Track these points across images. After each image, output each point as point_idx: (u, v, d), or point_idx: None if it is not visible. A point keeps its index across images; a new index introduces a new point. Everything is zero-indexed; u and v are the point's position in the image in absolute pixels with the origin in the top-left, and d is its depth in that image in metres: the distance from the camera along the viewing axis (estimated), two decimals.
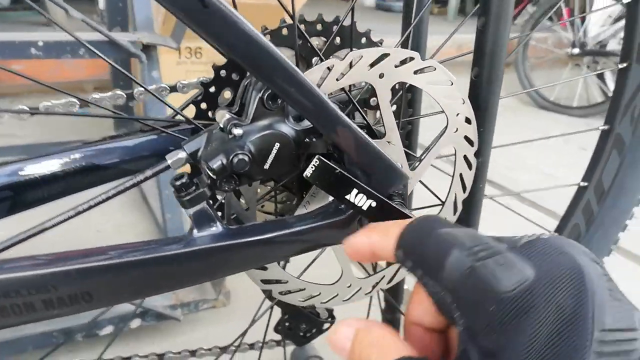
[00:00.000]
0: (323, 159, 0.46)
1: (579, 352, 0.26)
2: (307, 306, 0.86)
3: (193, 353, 0.94)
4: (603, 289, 0.29)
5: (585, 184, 0.90)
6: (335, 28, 0.61)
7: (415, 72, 0.53)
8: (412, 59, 0.52)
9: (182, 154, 0.46)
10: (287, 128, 0.47)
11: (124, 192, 0.47)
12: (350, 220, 0.50)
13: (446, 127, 0.58)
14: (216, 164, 0.44)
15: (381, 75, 0.51)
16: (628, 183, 0.88)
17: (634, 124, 0.83)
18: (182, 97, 0.56)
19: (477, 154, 0.62)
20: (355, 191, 0.47)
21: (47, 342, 1.22)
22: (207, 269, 0.46)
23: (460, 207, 0.64)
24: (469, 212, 0.68)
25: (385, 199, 0.48)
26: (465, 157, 0.61)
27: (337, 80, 0.50)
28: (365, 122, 0.55)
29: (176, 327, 1.38)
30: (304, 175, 0.46)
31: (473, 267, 0.30)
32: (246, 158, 0.44)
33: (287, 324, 0.87)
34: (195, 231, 0.46)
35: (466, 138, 0.60)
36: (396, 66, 0.52)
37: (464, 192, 0.64)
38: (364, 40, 0.63)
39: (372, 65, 0.50)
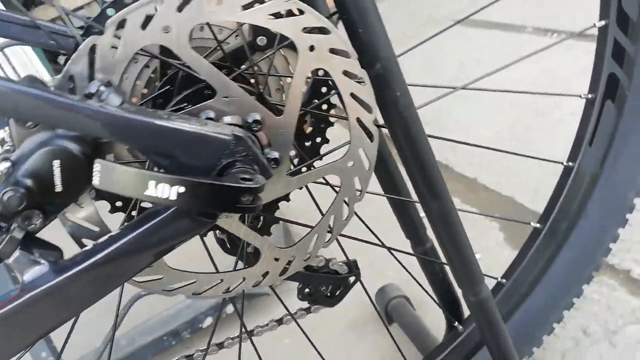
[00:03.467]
0: (102, 161, 0.39)
1: None
2: (318, 268, 0.80)
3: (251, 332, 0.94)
4: None
5: (604, 21, 0.67)
6: None
7: (211, 6, 0.42)
8: None
9: None
10: (61, 140, 0.40)
11: None
12: (178, 213, 0.42)
13: None
14: None
15: (166, 29, 0.42)
16: None
17: None
18: None
19: (367, 63, 0.49)
20: (152, 183, 0.39)
21: (161, 346, 1.33)
22: (54, 308, 0.43)
23: (372, 129, 0.52)
24: (400, 127, 0.55)
25: (196, 179, 0.39)
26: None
27: (112, 57, 0.41)
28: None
29: (270, 301, 1.41)
30: (94, 185, 0.39)
31: None
32: (16, 193, 0.39)
33: (306, 290, 0.82)
34: (24, 279, 0.43)
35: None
36: (180, 9, 0.41)
37: (370, 112, 0.51)
38: None
39: (144, 24, 0.41)
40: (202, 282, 0.53)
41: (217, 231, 0.63)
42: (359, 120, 0.51)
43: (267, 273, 0.56)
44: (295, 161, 0.61)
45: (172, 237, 0.43)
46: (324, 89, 0.58)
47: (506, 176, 1.48)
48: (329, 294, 0.83)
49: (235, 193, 0.40)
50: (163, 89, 0.51)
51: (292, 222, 0.62)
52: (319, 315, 1.22)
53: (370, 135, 0.52)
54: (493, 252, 1.25)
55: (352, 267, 0.81)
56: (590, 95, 0.75)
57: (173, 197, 0.39)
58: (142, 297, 1.40)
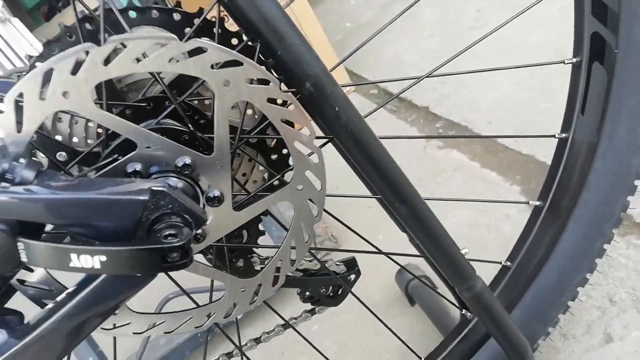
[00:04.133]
0: (24, 239, 0.39)
1: None
2: (315, 272, 0.80)
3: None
4: None
5: None
6: None
7: (106, 62, 0.41)
8: (87, 52, 0.40)
9: None
10: None
11: None
12: (109, 280, 0.42)
13: None
14: None
15: (66, 94, 0.41)
16: None
17: None
18: None
19: (296, 82, 0.47)
20: (74, 256, 0.39)
21: (196, 343, 1.38)
22: None
23: (315, 150, 0.50)
24: (348, 141, 0.53)
25: (113, 247, 0.39)
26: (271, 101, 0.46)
27: (18, 132, 0.41)
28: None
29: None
30: (24, 263, 0.40)
31: None
32: None
33: (306, 294, 0.82)
34: None
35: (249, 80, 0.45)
36: (72, 74, 0.40)
37: (309, 133, 0.49)
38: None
39: (41, 95, 0.40)
40: (172, 322, 0.54)
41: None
42: (297, 144, 0.49)
43: (235, 304, 0.55)
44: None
45: (113, 296, 0.43)
46: None
47: (525, 133, 1.41)
48: (330, 294, 0.83)
49: (158, 254, 0.40)
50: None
51: (258, 247, 0.61)
52: (346, 300, 1.22)
53: (318, 157, 0.50)
54: (515, 219, 1.20)
55: (351, 265, 0.80)
56: (575, 60, 0.68)
57: (97, 266, 0.39)
58: (172, 299, 1.46)
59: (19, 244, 0.39)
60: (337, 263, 0.81)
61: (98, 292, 0.42)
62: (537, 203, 0.77)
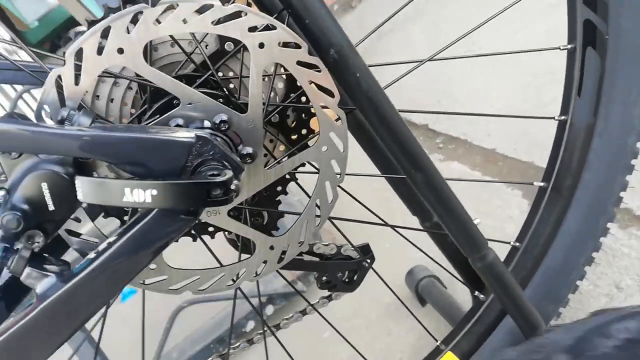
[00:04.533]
0: (81, 177, 0.43)
1: None
2: (331, 256, 0.83)
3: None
4: None
5: None
6: None
7: (157, 23, 0.46)
8: (140, 13, 0.45)
9: None
10: (45, 164, 0.45)
11: None
12: (160, 214, 0.46)
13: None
14: None
15: (121, 50, 0.46)
16: None
17: None
18: None
19: (320, 50, 0.52)
20: (127, 190, 0.43)
21: (209, 353, 1.39)
22: (67, 314, 0.48)
23: (339, 112, 0.54)
24: (367, 106, 0.57)
25: (165, 181, 0.43)
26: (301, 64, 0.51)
27: (76, 85, 0.46)
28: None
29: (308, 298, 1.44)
30: (79, 199, 0.44)
31: None
32: (13, 216, 0.44)
33: (323, 278, 0.85)
34: (37, 290, 0.48)
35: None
36: (130, 31, 0.45)
37: (333, 96, 0.54)
38: None
39: (99, 51, 0.45)
40: (205, 278, 0.57)
41: (226, 232, 0.67)
42: (323, 106, 0.54)
43: (265, 262, 0.59)
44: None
45: (160, 236, 0.47)
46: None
47: (524, 142, 1.46)
48: (346, 280, 0.86)
49: (203, 188, 0.44)
50: (144, 107, 0.56)
51: (281, 212, 0.65)
52: (356, 304, 1.24)
53: (337, 119, 0.55)
54: (517, 220, 1.24)
55: (365, 250, 0.83)
56: (570, 46, 0.74)
57: (149, 200, 0.43)
58: (184, 307, 1.47)
59: (76, 181, 0.43)
60: (352, 248, 0.84)
61: (146, 230, 0.46)
62: (541, 184, 0.81)
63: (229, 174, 0.45)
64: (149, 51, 0.51)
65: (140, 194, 0.43)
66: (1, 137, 0.42)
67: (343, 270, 0.85)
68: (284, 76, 0.61)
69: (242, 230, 0.56)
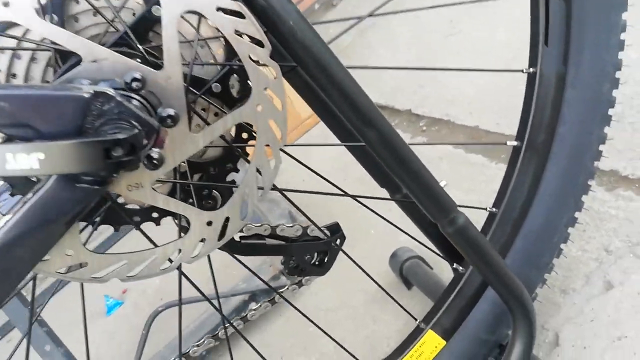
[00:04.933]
0: None
1: None
2: (296, 238, 0.77)
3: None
4: None
5: None
6: None
7: None
8: None
9: None
10: None
11: None
12: (57, 185, 0.40)
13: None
14: None
15: (5, 4, 0.40)
16: None
17: None
18: None
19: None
20: (9, 156, 0.37)
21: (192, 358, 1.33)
22: None
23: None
24: (302, 61, 0.52)
25: (55, 141, 0.37)
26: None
27: None
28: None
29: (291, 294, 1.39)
30: None
31: None
32: None
33: (291, 263, 0.79)
34: None
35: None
36: None
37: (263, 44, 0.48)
38: None
39: None
40: (133, 262, 0.51)
41: (175, 218, 0.61)
42: (251, 59, 0.48)
43: (203, 239, 0.53)
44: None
45: (60, 209, 0.41)
46: None
47: (506, 116, 1.41)
48: (316, 263, 0.81)
49: (99, 147, 0.38)
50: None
51: (220, 185, 0.59)
52: (343, 294, 1.18)
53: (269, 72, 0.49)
54: None
55: (334, 230, 0.78)
56: None
57: (36, 165, 0.37)
58: (161, 312, 1.41)
59: None
60: (321, 228, 0.78)
61: (44, 203, 0.41)
62: (515, 143, 0.76)
63: (134, 131, 0.39)
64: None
65: (24, 160, 0.37)
66: None
67: (311, 253, 0.79)
68: (222, 40, 0.56)
69: (171, 206, 0.50)
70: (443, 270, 1.10)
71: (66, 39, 0.43)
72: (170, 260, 0.53)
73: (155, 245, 0.52)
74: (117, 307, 1.82)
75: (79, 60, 0.46)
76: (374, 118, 0.56)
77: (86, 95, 0.39)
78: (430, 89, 1.83)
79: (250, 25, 0.47)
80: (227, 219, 0.53)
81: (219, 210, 0.53)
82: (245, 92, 0.56)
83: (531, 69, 0.72)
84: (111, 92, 0.40)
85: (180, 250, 0.52)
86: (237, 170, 0.64)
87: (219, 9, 0.46)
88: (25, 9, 0.41)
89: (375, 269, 1.29)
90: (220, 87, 0.55)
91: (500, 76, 1.57)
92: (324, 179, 0.68)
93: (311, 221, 0.74)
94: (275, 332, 1.31)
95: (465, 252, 0.66)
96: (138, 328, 1.42)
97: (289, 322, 1.30)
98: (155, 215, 0.60)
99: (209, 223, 0.53)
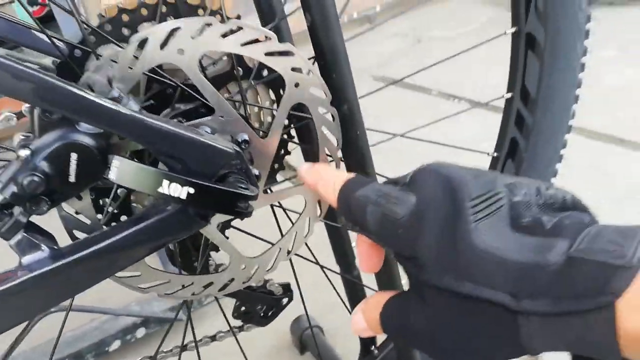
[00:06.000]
0: (120, 157, 0.44)
1: (462, 224, 0.36)
2: (257, 287, 0.85)
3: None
4: (466, 176, 0.38)
5: (510, 94, 0.84)
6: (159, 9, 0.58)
7: (223, 36, 0.50)
8: (209, 25, 0.49)
9: None
10: (80, 135, 0.45)
11: None
12: (182, 212, 0.48)
13: (283, 85, 0.55)
14: (8, 191, 0.43)
15: (181, 51, 0.48)
16: (556, 84, 0.81)
17: (542, 19, 0.76)
18: None
19: (337, 103, 0.59)
20: (166, 182, 0.44)
21: None
22: (46, 293, 0.46)
23: (337, 160, 0.61)
24: (355, 160, 0.65)
25: (205, 182, 0.45)
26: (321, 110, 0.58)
27: (130, 68, 0.47)
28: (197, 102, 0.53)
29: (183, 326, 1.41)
30: (109, 178, 0.44)
31: (382, 214, 0.40)
32: (36, 178, 0.43)
33: (242, 308, 0.87)
34: (22, 260, 0.45)
35: (313, 90, 0.56)
36: (193, 37, 0.49)
37: (337, 144, 0.61)
38: (200, 12, 0.59)
39: (163, 45, 0.48)
40: (174, 283, 0.57)
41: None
42: (326, 152, 0.60)
43: (232, 279, 0.61)
44: None
45: (169, 233, 0.48)
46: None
47: None
48: (262, 314, 0.89)
49: (235, 198, 0.47)
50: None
51: (254, 236, 0.68)
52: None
53: (337, 165, 0.61)
54: None
55: (286, 289, 0.88)
56: (495, 154, 0.91)
57: (183, 196, 0.45)
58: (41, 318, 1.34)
59: (114, 160, 0.44)
60: (277, 285, 0.88)
61: (162, 224, 0.47)
62: (495, 154, 0.91)
63: (255, 190, 0.49)
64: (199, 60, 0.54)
65: (176, 189, 0.44)
66: (52, 93, 0.41)
67: (263, 304, 0.88)
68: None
69: (224, 245, 0.58)
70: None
71: (210, 94, 0.51)
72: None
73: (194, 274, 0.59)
74: None
75: (198, 107, 0.55)
76: None
77: (232, 152, 0.48)
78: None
79: (336, 127, 0.60)
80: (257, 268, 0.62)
81: (255, 259, 0.62)
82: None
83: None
84: (243, 154, 0.49)
85: (212, 282, 0.60)
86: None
87: (320, 109, 0.58)
88: (192, 60, 0.50)
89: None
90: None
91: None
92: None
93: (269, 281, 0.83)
94: None
95: None
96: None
97: None
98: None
99: (244, 267, 0.61)
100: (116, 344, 1.33)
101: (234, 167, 0.49)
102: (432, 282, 0.37)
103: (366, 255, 0.47)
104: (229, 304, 0.83)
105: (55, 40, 0.53)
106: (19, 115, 0.61)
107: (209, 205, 0.46)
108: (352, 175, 0.48)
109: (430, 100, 2.40)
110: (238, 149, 0.49)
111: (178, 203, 0.45)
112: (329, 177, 0.49)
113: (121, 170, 0.44)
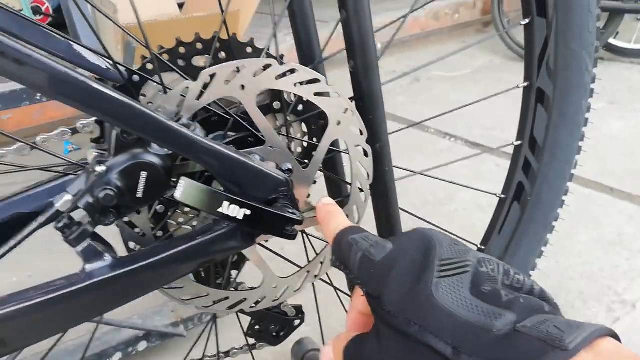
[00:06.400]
0: (187, 179, 0.49)
1: (426, 276, 0.39)
2: (272, 308, 0.89)
3: None
4: (443, 241, 0.43)
5: (519, 142, 0.90)
6: (214, 45, 0.63)
7: (277, 77, 0.55)
8: (269, 65, 0.55)
9: (67, 197, 0.49)
10: (150, 156, 0.49)
11: (22, 242, 0.50)
12: (235, 231, 0.52)
13: (327, 122, 0.60)
14: (83, 202, 0.47)
15: (242, 87, 0.54)
16: (561, 135, 0.88)
17: (552, 77, 0.83)
18: None
19: (371, 141, 0.64)
20: (226, 204, 0.49)
21: None
22: (103, 299, 0.50)
23: (367, 192, 0.66)
24: (381, 192, 0.70)
25: (261, 206, 0.50)
26: (357, 146, 0.63)
27: (197, 99, 0.52)
28: (247, 132, 0.59)
29: (184, 343, 1.43)
30: (174, 197, 0.49)
31: (362, 254, 0.44)
32: (111, 192, 0.47)
33: (256, 327, 0.90)
34: (86, 267, 0.49)
35: (352, 128, 0.62)
36: (255, 75, 0.54)
37: (368, 178, 0.66)
38: (249, 50, 0.65)
39: (228, 80, 0.53)
40: (212, 297, 0.61)
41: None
42: (358, 186, 0.66)
43: (264, 297, 0.65)
44: None
45: (221, 251, 0.52)
46: None
47: None
48: (274, 334, 0.93)
49: (285, 222, 0.52)
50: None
51: (284, 259, 0.72)
52: None
53: (365, 198, 0.66)
54: None
55: (299, 311, 0.92)
56: (503, 196, 0.97)
57: (239, 217, 0.50)
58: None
59: (181, 180, 0.49)
60: (290, 306, 0.92)
61: (215, 242, 0.52)
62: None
63: (301, 215, 0.54)
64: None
65: (235, 210, 0.49)
66: (139, 119, 0.46)
67: (277, 324, 0.91)
68: None
69: (261, 264, 0.63)
70: None
71: (263, 127, 0.57)
72: None
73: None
74: None
75: (247, 136, 0.60)
76: None
77: (283, 180, 0.53)
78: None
79: (368, 162, 0.65)
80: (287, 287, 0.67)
81: (285, 280, 0.66)
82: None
83: (482, 247, 0.98)
84: (290, 182, 0.54)
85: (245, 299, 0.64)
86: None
87: (356, 145, 0.63)
88: (251, 96, 0.55)
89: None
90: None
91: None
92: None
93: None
94: None
95: None
96: None
97: None
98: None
99: (275, 287, 0.65)
100: (117, 356, 1.34)
101: (281, 193, 0.54)
102: (388, 319, 0.40)
103: (354, 323, 0.49)
104: (233, 322, 0.86)
105: (118, 66, 0.58)
106: (73, 130, 0.65)
107: (261, 227, 0.51)
108: (353, 224, 0.51)
109: (428, 137, 2.48)
110: (287, 177, 0.54)
111: (234, 223, 0.50)
112: (336, 220, 0.52)
113: (186, 190, 0.49)
